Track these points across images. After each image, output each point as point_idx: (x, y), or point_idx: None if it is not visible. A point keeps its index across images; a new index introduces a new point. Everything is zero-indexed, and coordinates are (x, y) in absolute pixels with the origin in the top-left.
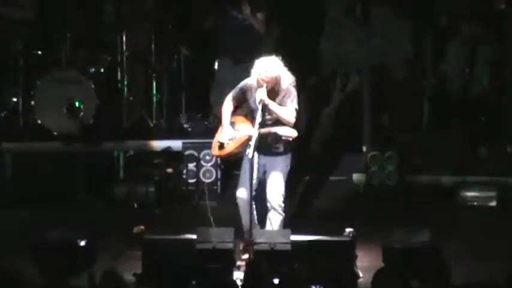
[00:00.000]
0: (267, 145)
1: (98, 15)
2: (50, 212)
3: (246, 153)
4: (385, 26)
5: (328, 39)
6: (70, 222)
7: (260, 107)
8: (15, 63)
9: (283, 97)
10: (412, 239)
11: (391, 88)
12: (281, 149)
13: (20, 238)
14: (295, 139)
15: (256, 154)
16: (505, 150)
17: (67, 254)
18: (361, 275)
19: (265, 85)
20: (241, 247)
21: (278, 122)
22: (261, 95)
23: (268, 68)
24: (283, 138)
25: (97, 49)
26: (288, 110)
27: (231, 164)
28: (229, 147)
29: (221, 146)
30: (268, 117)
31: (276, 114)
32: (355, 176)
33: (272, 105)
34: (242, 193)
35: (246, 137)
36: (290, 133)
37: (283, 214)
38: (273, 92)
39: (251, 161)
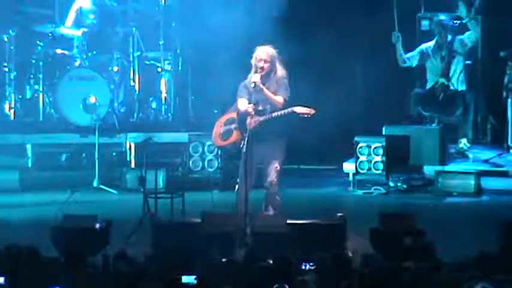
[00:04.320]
0: (264, 135)
1: (111, 20)
2: (68, 197)
3: (241, 145)
4: None
5: None
6: (86, 207)
7: (254, 90)
8: (37, 63)
9: (278, 86)
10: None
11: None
12: (276, 138)
13: (42, 221)
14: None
15: (254, 146)
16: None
17: (84, 236)
18: (350, 255)
19: (259, 71)
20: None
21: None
22: (255, 78)
23: (267, 50)
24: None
25: (110, 50)
26: (278, 98)
27: (232, 154)
28: (233, 137)
29: (223, 136)
30: (260, 108)
31: (269, 98)
32: (345, 165)
33: (265, 90)
34: (242, 182)
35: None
36: (307, 110)
37: (280, 198)
38: (269, 79)
39: (246, 153)
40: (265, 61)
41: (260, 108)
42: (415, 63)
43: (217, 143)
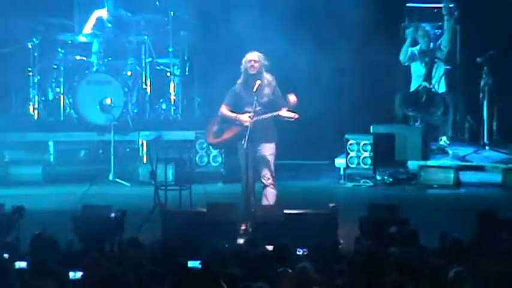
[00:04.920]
0: (258, 134)
1: (125, 30)
2: (86, 189)
3: (242, 142)
4: None
5: None
6: (103, 198)
7: (255, 98)
8: (58, 68)
9: (275, 86)
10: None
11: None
12: (270, 136)
13: (63, 211)
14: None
15: (250, 144)
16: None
17: (100, 224)
18: (341, 241)
19: (250, 70)
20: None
21: (268, 111)
22: (258, 82)
23: (256, 53)
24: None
25: (125, 56)
26: (281, 96)
27: (233, 151)
28: (224, 136)
29: (216, 135)
30: (258, 108)
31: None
32: (337, 160)
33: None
34: (244, 176)
35: (238, 129)
36: (292, 115)
37: (276, 190)
38: (260, 77)
39: (246, 150)
40: (255, 61)
41: (257, 109)
42: (406, 61)
43: (209, 140)
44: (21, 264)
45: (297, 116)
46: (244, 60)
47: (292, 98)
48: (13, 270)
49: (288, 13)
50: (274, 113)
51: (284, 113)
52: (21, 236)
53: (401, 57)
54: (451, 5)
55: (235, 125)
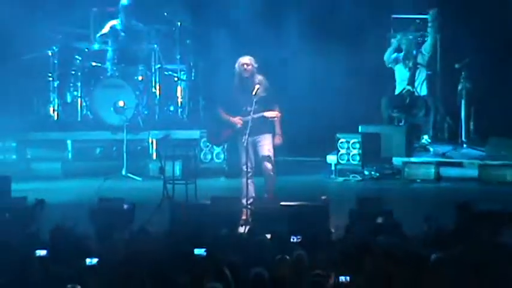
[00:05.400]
0: (256, 128)
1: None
2: (101, 183)
3: (243, 140)
4: None
5: None
6: (116, 192)
7: (254, 99)
8: (76, 74)
9: (266, 85)
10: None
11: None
12: (267, 128)
13: (80, 203)
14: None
15: (249, 139)
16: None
17: (114, 215)
18: (332, 230)
19: (244, 73)
20: (243, 210)
21: (264, 108)
22: (256, 87)
23: (248, 57)
24: (269, 119)
25: (136, 63)
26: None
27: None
28: (223, 136)
29: (216, 136)
30: (255, 106)
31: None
32: (328, 157)
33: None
34: (244, 169)
35: (233, 129)
36: (274, 114)
37: (275, 177)
38: (253, 79)
39: (246, 146)
40: (247, 65)
41: (255, 107)
42: (389, 62)
43: (212, 141)
44: (41, 253)
45: (279, 114)
46: (237, 64)
47: (272, 113)
48: (35, 258)
49: (284, 21)
50: (260, 114)
51: (268, 113)
52: (42, 226)
53: (386, 56)
54: (434, 16)
55: (230, 126)
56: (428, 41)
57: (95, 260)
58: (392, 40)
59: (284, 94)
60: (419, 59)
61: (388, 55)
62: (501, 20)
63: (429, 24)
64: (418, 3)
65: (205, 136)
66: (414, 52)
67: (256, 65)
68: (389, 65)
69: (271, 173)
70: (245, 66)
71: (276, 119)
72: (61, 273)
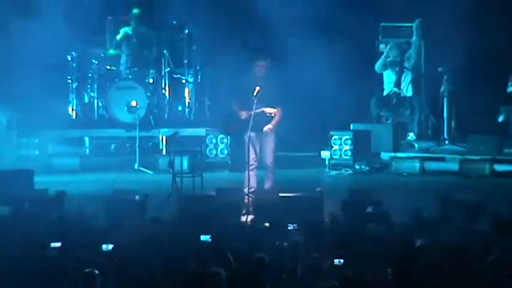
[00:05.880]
0: (260, 125)
1: (147, 44)
2: (116, 176)
3: (245, 137)
4: None
5: None
6: (129, 184)
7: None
8: (92, 76)
9: (275, 83)
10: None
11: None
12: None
13: (97, 194)
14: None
15: (253, 134)
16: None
17: (127, 206)
18: (326, 219)
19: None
20: (245, 201)
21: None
22: (257, 88)
23: (265, 61)
24: (271, 116)
25: (147, 67)
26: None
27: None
28: (232, 127)
29: (226, 126)
30: (258, 105)
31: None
32: (323, 153)
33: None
34: (247, 162)
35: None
36: (272, 111)
37: (274, 170)
38: (266, 78)
39: (248, 142)
40: (263, 66)
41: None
42: (380, 70)
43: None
44: (56, 244)
45: (275, 110)
46: (255, 64)
47: (271, 109)
48: (53, 248)
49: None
50: (259, 110)
51: (267, 109)
52: (62, 215)
53: (377, 67)
54: (418, 25)
55: (238, 119)
56: (414, 47)
57: (110, 246)
58: (381, 46)
59: (283, 96)
60: (405, 64)
61: (379, 66)
62: (480, 27)
63: (414, 32)
64: (404, 13)
65: (217, 127)
66: (400, 57)
67: (270, 68)
68: (379, 72)
69: (272, 166)
70: (260, 67)
71: (273, 114)
72: (79, 257)
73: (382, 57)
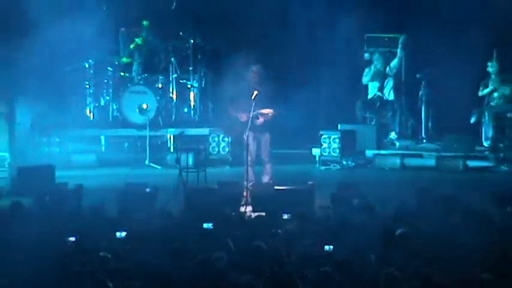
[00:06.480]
0: (257, 126)
1: (157, 53)
2: (129, 171)
3: (244, 136)
4: None
5: None
6: (141, 178)
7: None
8: (108, 82)
9: (270, 88)
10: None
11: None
12: (267, 127)
13: (111, 187)
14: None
15: (251, 134)
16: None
17: (139, 198)
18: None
19: (253, 79)
20: (244, 193)
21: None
22: (255, 93)
23: (259, 67)
24: (268, 117)
25: (156, 73)
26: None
27: (238, 142)
28: (235, 130)
29: (231, 128)
30: (256, 107)
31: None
32: (313, 150)
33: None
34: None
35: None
36: (268, 111)
37: (271, 164)
38: (259, 85)
39: (247, 140)
40: (256, 73)
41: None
42: (367, 80)
43: (227, 133)
44: (71, 239)
45: (271, 111)
46: (249, 70)
47: (267, 110)
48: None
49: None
50: (258, 111)
51: (264, 110)
52: (80, 206)
53: (366, 80)
54: (404, 39)
55: (238, 122)
56: (398, 58)
57: (123, 234)
58: (366, 55)
59: (279, 99)
60: (388, 71)
61: (368, 77)
62: (454, 38)
63: (400, 46)
64: (387, 25)
65: (214, 132)
66: (384, 66)
67: (263, 73)
68: (367, 83)
69: (269, 164)
70: (254, 74)
71: (269, 115)
72: (95, 244)
73: (371, 70)
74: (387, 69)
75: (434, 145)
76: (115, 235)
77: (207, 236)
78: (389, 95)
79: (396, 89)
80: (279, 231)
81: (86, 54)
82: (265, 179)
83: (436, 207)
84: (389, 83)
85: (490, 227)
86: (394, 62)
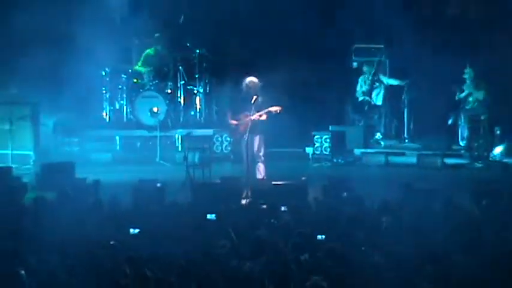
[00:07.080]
0: (255, 129)
1: (166, 62)
2: (140, 168)
3: (244, 137)
4: None
5: None
6: (152, 174)
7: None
8: (122, 88)
9: (264, 99)
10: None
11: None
12: (261, 130)
13: (125, 183)
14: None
15: (250, 135)
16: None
17: (150, 192)
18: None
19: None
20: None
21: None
22: (255, 97)
23: (253, 79)
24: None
25: (166, 80)
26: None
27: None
28: (239, 131)
29: (236, 130)
30: (254, 112)
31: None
32: (307, 149)
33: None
34: (245, 158)
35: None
36: (276, 108)
37: (264, 164)
38: (256, 94)
39: (247, 141)
40: (252, 83)
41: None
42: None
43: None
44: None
45: (280, 108)
46: (244, 82)
47: (276, 107)
48: (91, 224)
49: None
50: (266, 110)
51: (272, 108)
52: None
53: (360, 94)
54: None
55: (239, 127)
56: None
57: (136, 230)
58: (354, 64)
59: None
60: (376, 79)
61: (359, 93)
62: (433, 48)
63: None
64: (374, 36)
65: (218, 132)
66: (371, 75)
67: (259, 84)
68: (361, 97)
69: (262, 164)
70: (251, 84)
71: (265, 117)
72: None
73: (366, 84)
74: (375, 77)
75: (416, 144)
76: (128, 231)
77: (210, 226)
78: (376, 99)
79: (382, 94)
80: (277, 221)
81: (102, 63)
82: (260, 176)
83: (417, 200)
84: (376, 90)
85: (466, 218)
86: (388, 80)
